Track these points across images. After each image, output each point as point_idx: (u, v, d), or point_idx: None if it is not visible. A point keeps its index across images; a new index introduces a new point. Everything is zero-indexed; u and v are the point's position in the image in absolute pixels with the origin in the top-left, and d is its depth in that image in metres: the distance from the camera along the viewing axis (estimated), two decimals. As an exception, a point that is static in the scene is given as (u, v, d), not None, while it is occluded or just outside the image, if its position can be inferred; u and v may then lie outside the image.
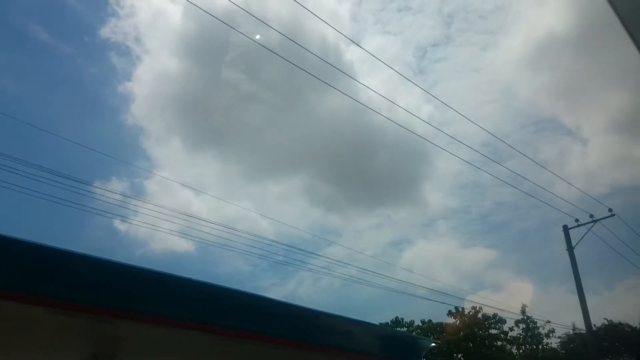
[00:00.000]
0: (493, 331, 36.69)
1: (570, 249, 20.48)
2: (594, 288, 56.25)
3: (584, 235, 20.53)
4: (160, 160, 52.00)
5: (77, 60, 51.18)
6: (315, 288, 51.60)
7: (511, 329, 35.04)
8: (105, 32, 51.53)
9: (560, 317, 54.96)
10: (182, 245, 48.66)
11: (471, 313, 36.34)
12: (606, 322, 30.41)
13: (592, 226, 20.48)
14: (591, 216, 20.54)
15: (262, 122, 47.78)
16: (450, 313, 36.45)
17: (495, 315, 36.88)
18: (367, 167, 47.47)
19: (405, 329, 36.06)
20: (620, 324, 30.40)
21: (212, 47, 46.10)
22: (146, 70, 52.95)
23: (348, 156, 46.56)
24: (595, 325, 27.78)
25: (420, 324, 36.79)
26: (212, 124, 48.88)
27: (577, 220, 20.87)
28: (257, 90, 45.41)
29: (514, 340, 35.61)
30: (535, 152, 51.31)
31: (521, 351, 34.69)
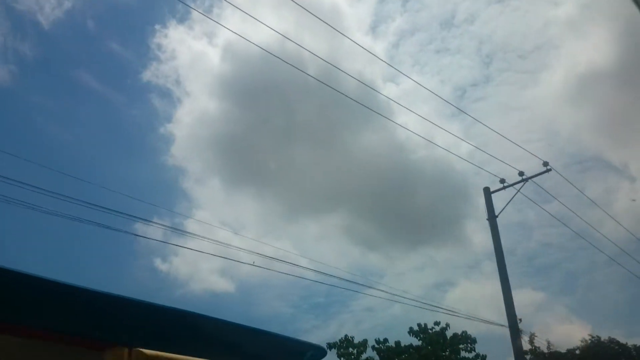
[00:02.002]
0: (467, 354, 30.94)
1: (491, 217, 15.43)
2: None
3: (512, 197, 15.59)
4: (199, 200, 51.33)
5: (119, 104, 52.06)
6: (357, 331, 48.53)
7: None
8: (147, 75, 52.41)
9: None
10: (222, 285, 46.89)
11: (434, 330, 30.71)
12: (591, 338, 24.45)
13: (522, 186, 15.47)
14: (521, 173, 15.56)
15: (300, 161, 47.17)
16: (411, 331, 30.94)
17: (464, 333, 31.11)
18: (408, 205, 45.11)
19: (354, 350, 30.82)
20: (611, 341, 24.39)
21: (250, 88, 46.32)
22: (186, 112, 53.07)
23: (387, 194, 44.38)
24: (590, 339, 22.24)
25: (375, 344, 31.18)
26: (250, 164, 47.90)
27: (502, 181, 15.86)
28: (295, 129, 45.78)
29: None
30: (581, 188, 48.60)
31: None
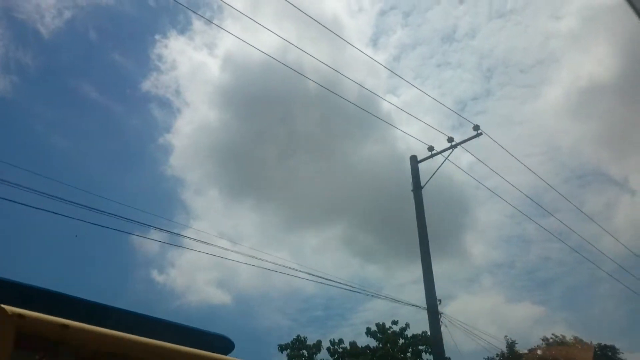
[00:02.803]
0: (429, 356, 29.01)
1: (417, 187, 13.62)
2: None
3: (440, 164, 13.85)
4: (198, 210, 50.68)
5: (119, 113, 52.18)
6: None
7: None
8: (147, 85, 53.05)
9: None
10: (220, 297, 46.52)
11: (392, 330, 28.81)
12: (554, 337, 22.50)
13: (450, 153, 13.72)
14: (450, 140, 13.80)
15: (300, 172, 46.37)
16: (368, 332, 29.06)
17: (424, 333, 29.23)
18: (407, 218, 43.33)
19: (305, 352, 28.93)
20: (576, 340, 22.44)
21: (250, 99, 46.96)
22: (186, 122, 52.99)
23: (387, 206, 41.80)
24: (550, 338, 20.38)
25: (330, 345, 29.14)
26: (249, 175, 47.82)
27: (431, 149, 14.08)
28: (295, 140, 45.22)
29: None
30: (581, 205, 48.26)
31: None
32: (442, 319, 12.57)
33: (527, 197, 16.62)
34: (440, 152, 14.11)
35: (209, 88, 51.20)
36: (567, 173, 55.87)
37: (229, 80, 50.18)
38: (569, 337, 22.77)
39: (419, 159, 14.45)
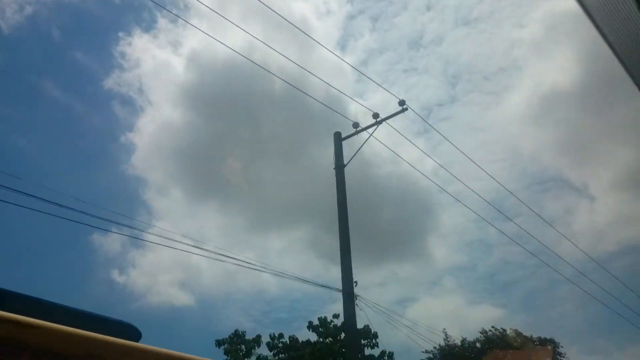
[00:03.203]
0: (370, 350, 28.40)
1: (339, 166, 12.74)
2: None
3: (365, 141, 13.04)
4: (160, 211, 49.43)
5: (79, 111, 50.44)
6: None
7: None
8: (109, 83, 51.18)
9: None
10: (181, 299, 45.63)
11: (333, 324, 28.01)
12: (494, 330, 22.08)
13: (375, 129, 12.92)
14: (375, 115, 12.97)
15: (265, 174, 45.51)
16: (310, 326, 28.19)
17: (366, 327, 28.46)
18: (371, 221, 44.62)
19: (243, 346, 27.83)
20: (517, 333, 22.07)
21: (214, 99, 45.61)
22: (148, 121, 51.64)
23: (352, 209, 42.01)
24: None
25: (270, 340, 28.03)
26: (213, 176, 46.38)
27: (355, 126, 13.21)
28: (260, 142, 44.22)
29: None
30: (542, 210, 50.15)
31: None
32: (357, 302, 11.76)
33: (487, 202, 16.30)
34: (365, 129, 13.31)
35: (172, 87, 50.07)
36: (529, 179, 56.97)
37: (194, 79, 49.23)
38: (509, 330, 22.49)
39: (343, 135, 13.59)
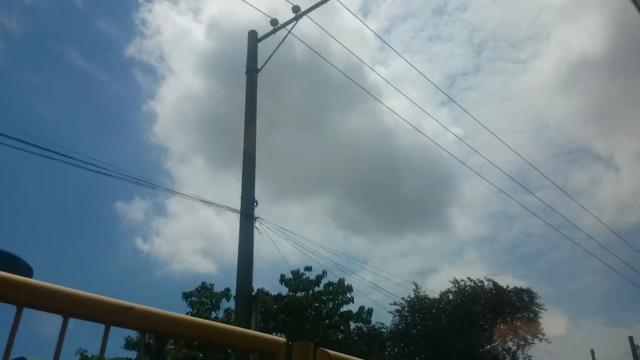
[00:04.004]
0: (348, 305, 26.81)
1: (251, 69, 10.72)
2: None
3: (283, 38, 10.97)
4: (182, 179, 50.20)
5: (102, 79, 50.72)
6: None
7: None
8: (130, 51, 51.79)
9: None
10: (204, 266, 45.71)
11: (305, 277, 26.34)
12: (465, 281, 20.06)
13: (294, 25, 10.75)
14: (295, 9, 10.87)
15: (287, 143, 44.65)
16: (283, 279, 26.59)
17: (341, 281, 26.80)
18: (394, 191, 43.89)
19: (208, 300, 26.48)
20: (495, 285, 20.00)
21: (235, 67, 44.41)
22: (170, 90, 51.86)
23: (374, 179, 42.85)
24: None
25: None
26: (235, 144, 45.39)
27: (274, 23, 11.03)
28: (282, 111, 42.40)
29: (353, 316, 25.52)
30: (567, 181, 49.07)
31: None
32: (257, 225, 9.81)
33: (508, 175, 15.81)
34: (283, 26, 11.11)
35: (193, 55, 49.86)
36: (555, 149, 55.44)
37: (214, 47, 48.48)
38: (485, 281, 20.46)
39: (259, 35, 11.43)
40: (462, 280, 20.49)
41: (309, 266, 25.97)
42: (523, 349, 20.45)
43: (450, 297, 20.16)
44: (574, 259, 54.93)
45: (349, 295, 26.83)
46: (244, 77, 11.77)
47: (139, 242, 43.04)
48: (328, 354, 1.89)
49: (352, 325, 26.33)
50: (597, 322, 48.07)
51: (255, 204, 10.02)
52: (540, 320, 19.76)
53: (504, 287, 20.00)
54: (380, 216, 45.31)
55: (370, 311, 27.59)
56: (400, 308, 20.41)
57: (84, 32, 50.91)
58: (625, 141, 48.87)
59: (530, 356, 20.99)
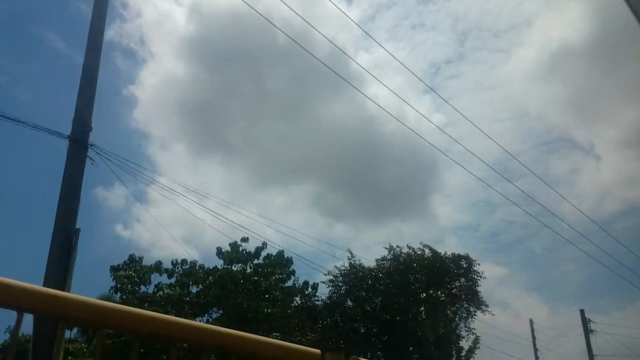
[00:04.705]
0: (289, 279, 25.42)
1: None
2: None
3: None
4: (164, 166, 47.97)
5: (80, 63, 48.21)
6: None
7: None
8: (109, 34, 47.94)
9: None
10: (185, 254, 44.47)
11: (243, 249, 24.76)
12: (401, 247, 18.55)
13: None
14: None
15: (269, 129, 44.44)
16: (220, 252, 24.99)
17: (280, 253, 25.24)
18: (377, 178, 43.13)
19: (133, 273, 24.79)
20: (433, 252, 18.49)
21: (218, 52, 43.97)
22: (151, 74, 49.91)
23: (356, 166, 42.40)
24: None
25: (172, 265, 24.85)
26: (217, 130, 45.52)
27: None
28: (264, 97, 43.04)
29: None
30: (547, 170, 48.22)
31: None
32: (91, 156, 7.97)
33: (487, 165, 15.95)
34: None
35: (174, 39, 47.65)
36: (535, 138, 56.16)
37: (196, 31, 47.24)
38: (421, 246, 18.97)
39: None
40: (397, 246, 19.04)
41: (246, 237, 24.34)
42: (466, 321, 19.16)
43: (387, 264, 18.66)
44: (554, 246, 56.19)
45: (289, 268, 25.31)
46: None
47: (119, 228, 41.99)
48: None
49: (299, 301, 24.86)
50: (575, 308, 49.00)
51: (90, 130, 8.20)
52: (479, 289, 18.44)
53: (442, 254, 18.54)
54: (362, 203, 44.93)
55: (315, 286, 26.06)
56: (333, 278, 18.87)
57: (62, 14, 49.29)
58: (605, 130, 48.97)
59: (473, 328, 19.74)
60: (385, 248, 19.11)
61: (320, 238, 46.83)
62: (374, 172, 44.24)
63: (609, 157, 52.24)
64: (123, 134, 50.98)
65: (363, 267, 18.85)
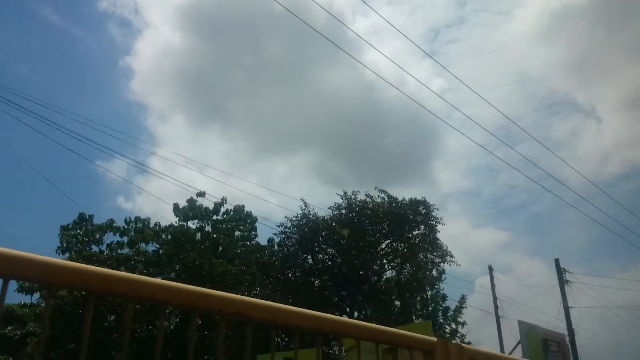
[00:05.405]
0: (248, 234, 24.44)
1: None
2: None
3: None
4: (163, 137, 48.65)
5: (75, 35, 48.53)
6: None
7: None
8: (103, 4, 50.59)
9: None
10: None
11: (200, 206, 23.49)
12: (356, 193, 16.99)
13: None
14: None
15: (268, 98, 43.98)
16: (176, 209, 23.71)
17: (240, 208, 23.97)
18: (378, 145, 42.24)
19: (79, 232, 23.51)
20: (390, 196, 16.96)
21: (214, 21, 43.88)
22: (147, 45, 49.92)
23: (357, 133, 41.56)
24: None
25: (125, 224, 23.51)
26: (215, 100, 45.56)
27: None
28: (263, 66, 42.65)
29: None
30: (549, 133, 47.95)
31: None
32: None
33: (490, 133, 14.55)
34: None
35: (170, 8, 46.67)
36: (537, 102, 54.72)
37: (190, 0, 46.58)
38: (377, 194, 17.36)
39: None
40: (353, 192, 17.37)
41: (202, 191, 22.83)
42: (430, 272, 17.73)
43: (343, 212, 17.08)
44: (557, 210, 55.66)
45: (248, 224, 23.89)
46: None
47: (120, 200, 41.96)
48: (463, 348, 1.98)
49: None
50: (579, 269, 48.78)
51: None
52: (439, 236, 16.94)
53: (399, 200, 16.94)
54: (364, 171, 43.81)
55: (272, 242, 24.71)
56: (285, 229, 17.35)
57: None
58: (607, 91, 47.03)
59: (440, 279, 18.38)
60: (338, 195, 17.55)
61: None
62: (375, 139, 43.18)
63: (610, 119, 51.15)
64: (122, 106, 50.70)
65: (317, 217, 17.33)
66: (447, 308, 19.26)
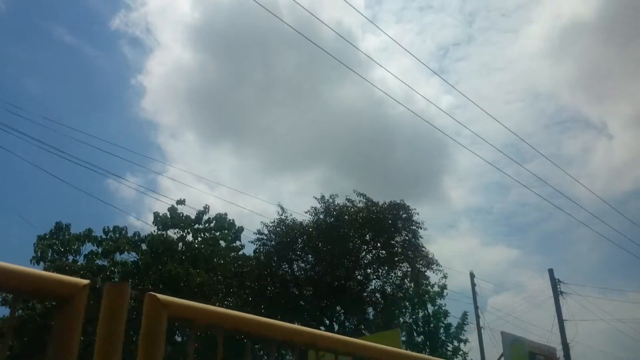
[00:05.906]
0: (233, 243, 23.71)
1: None
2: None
3: None
4: (174, 154, 48.79)
5: (88, 54, 49.45)
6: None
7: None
8: (116, 23, 49.61)
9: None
10: None
11: (181, 214, 22.76)
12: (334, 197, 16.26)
13: None
14: None
15: (278, 115, 44.85)
16: (156, 217, 23.05)
17: (221, 217, 23.24)
18: (387, 161, 42.73)
19: (56, 241, 22.75)
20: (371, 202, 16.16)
21: (224, 40, 44.41)
22: (158, 63, 49.88)
23: (366, 150, 41.77)
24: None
25: (103, 234, 22.94)
26: (226, 118, 46.07)
27: None
28: (272, 83, 43.41)
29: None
30: (560, 150, 47.95)
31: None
32: None
33: (499, 150, 16.18)
34: None
35: (180, 26, 47.55)
36: (547, 119, 54.55)
37: (201, 18, 46.98)
38: (356, 197, 16.52)
39: None
40: (331, 196, 16.49)
41: (182, 199, 22.14)
42: (417, 281, 16.73)
43: (321, 217, 16.20)
44: (568, 228, 54.84)
45: (233, 233, 23.08)
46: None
47: (131, 219, 42.06)
48: (157, 298, 1.45)
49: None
50: (589, 289, 47.58)
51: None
52: (422, 242, 16.00)
53: (379, 204, 16.03)
54: (373, 187, 44.43)
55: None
56: (262, 237, 16.45)
57: (69, 5, 50.08)
58: (618, 107, 46.22)
59: (429, 286, 17.40)
60: (316, 198, 16.71)
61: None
62: (385, 156, 43.20)
63: (621, 135, 50.21)
64: (133, 124, 50.97)
65: (295, 223, 16.47)
66: (449, 325, 18.38)
